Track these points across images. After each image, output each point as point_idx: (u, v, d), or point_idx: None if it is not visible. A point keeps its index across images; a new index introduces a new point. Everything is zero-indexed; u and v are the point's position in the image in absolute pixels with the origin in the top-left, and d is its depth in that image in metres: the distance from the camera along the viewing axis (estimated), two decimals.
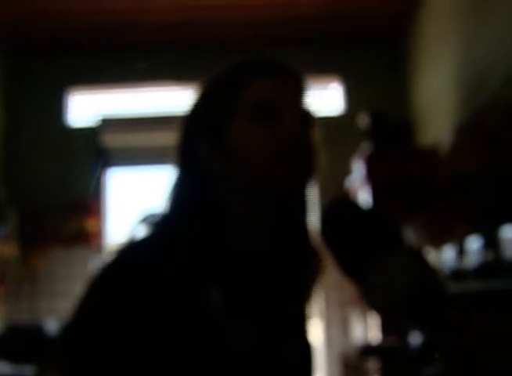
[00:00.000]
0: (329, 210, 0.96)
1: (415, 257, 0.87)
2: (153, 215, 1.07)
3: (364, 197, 4.10)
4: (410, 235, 3.60)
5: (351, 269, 0.90)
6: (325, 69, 5.39)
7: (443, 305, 0.84)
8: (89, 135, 5.30)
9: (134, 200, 5.20)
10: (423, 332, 0.83)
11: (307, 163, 1.06)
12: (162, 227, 1.05)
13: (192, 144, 1.09)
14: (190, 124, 1.11)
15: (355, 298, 4.16)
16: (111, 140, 5.29)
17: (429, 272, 0.86)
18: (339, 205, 0.97)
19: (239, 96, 1.06)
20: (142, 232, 1.04)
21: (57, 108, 5.42)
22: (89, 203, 5.20)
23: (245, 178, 1.05)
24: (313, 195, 1.13)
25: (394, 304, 0.84)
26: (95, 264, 1.00)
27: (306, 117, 1.10)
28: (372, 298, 0.87)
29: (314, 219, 1.09)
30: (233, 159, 1.05)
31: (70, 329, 0.96)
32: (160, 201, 1.08)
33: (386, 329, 3.67)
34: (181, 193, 1.08)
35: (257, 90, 1.06)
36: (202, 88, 1.12)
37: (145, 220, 1.06)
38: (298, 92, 1.11)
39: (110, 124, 5.34)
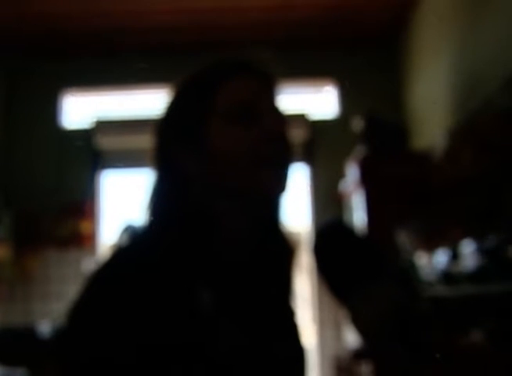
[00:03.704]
0: (320, 234, 0.98)
1: (398, 283, 0.89)
2: (136, 223, 1.06)
3: (358, 200, 4.11)
4: (404, 239, 3.61)
5: (339, 293, 0.93)
6: (319, 72, 5.40)
7: (425, 331, 0.86)
8: (84, 138, 5.29)
9: (128, 202, 5.20)
10: (406, 357, 0.86)
11: (287, 162, 1.06)
12: (149, 233, 1.05)
13: (169, 149, 1.07)
14: (166, 128, 1.10)
15: None
16: (106, 142, 5.29)
17: (412, 298, 0.89)
18: (330, 229, 0.98)
19: (215, 98, 1.06)
20: (128, 237, 1.04)
21: (52, 110, 5.42)
22: (84, 205, 5.20)
23: (229, 181, 1.04)
24: (292, 193, 1.14)
25: (376, 330, 0.87)
26: (88, 266, 1.00)
27: (283, 116, 1.10)
28: (356, 324, 0.90)
29: (304, 228, 1.11)
30: (214, 162, 1.04)
31: (66, 331, 0.96)
32: (143, 206, 1.07)
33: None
34: (164, 198, 1.06)
35: (234, 91, 1.06)
36: (176, 90, 1.11)
37: (128, 227, 1.06)
38: (273, 91, 1.11)
39: (105, 127, 5.34)
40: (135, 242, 1.03)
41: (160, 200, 1.07)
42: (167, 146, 1.08)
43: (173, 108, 1.11)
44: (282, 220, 1.14)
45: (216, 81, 1.07)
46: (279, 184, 1.05)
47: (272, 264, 1.12)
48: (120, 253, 1.02)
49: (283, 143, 1.06)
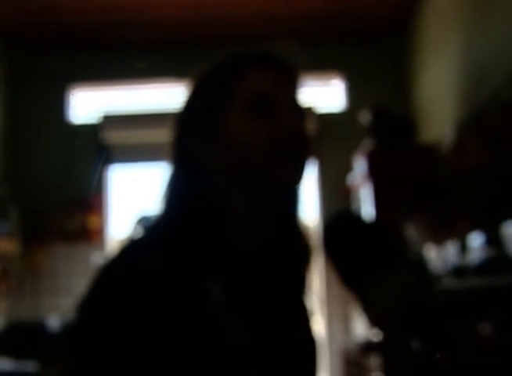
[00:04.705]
0: (331, 223, 0.97)
1: (411, 273, 0.88)
2: (150, 214, 1.06)
3: (366, 193, 4.10)
4: (412, 232, 3.60)
5: (350, 283, 0.92)
6: (327, 65, 5.39)
7: (438, 320, 0.85)
8: (91, 132, 5.30)
9: (136, 196, 5.21)
10: (417, 347, 0.85)
11: (304, 156, 1.06)
12: (162, 225, 1.04)
13: (187, 140, 1.07)
14: (184, 119, 1.10)
15: None
16: (113, 137, 5.30)
17: (424, 288, 0.88)
18: (341, 219, 0.98)
19: (234, 89, 1.05)
20: (140, 230, 1.04)
21: (59, 105, 5.43)
22: (91, 199, 5.21)
23: (245, 173, 1.04)
24: (306, 187, 1.13)
25: (389, 320, 0.86)
26: (97, 260, 1.00)
27: (301, 109, 1.09)
28: (368, 314, 0.89)
29: (312, 221, 1.10)
30: (230, 153, 1.04)
31: (76, 326, 0.96)
32: (157, 198, 1.07)
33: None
34: (179, 189, 1.06)
35: (253, 83, 1.06)
36: (195, 82, 1.11)
37: (143, 219, 1.05)
38: (293, 84, 1.10)
39: (112, 121, 5.34)
40: (148, 235, 1.03)
41: (176, 191, 1.07)
42: (185, 136, 1.08)
43: (192, 99, 1.10)
44: (299, 214, 1.14)
45: (235, 73, 1.07)
46: (292, 178, 1.04)
47: (286, 258, 1.11)
48: (132, 246, 1.01)
49: (300, 137, 1.05)
